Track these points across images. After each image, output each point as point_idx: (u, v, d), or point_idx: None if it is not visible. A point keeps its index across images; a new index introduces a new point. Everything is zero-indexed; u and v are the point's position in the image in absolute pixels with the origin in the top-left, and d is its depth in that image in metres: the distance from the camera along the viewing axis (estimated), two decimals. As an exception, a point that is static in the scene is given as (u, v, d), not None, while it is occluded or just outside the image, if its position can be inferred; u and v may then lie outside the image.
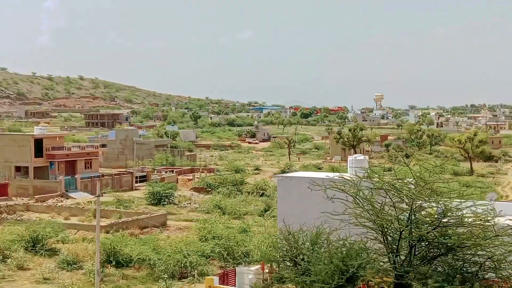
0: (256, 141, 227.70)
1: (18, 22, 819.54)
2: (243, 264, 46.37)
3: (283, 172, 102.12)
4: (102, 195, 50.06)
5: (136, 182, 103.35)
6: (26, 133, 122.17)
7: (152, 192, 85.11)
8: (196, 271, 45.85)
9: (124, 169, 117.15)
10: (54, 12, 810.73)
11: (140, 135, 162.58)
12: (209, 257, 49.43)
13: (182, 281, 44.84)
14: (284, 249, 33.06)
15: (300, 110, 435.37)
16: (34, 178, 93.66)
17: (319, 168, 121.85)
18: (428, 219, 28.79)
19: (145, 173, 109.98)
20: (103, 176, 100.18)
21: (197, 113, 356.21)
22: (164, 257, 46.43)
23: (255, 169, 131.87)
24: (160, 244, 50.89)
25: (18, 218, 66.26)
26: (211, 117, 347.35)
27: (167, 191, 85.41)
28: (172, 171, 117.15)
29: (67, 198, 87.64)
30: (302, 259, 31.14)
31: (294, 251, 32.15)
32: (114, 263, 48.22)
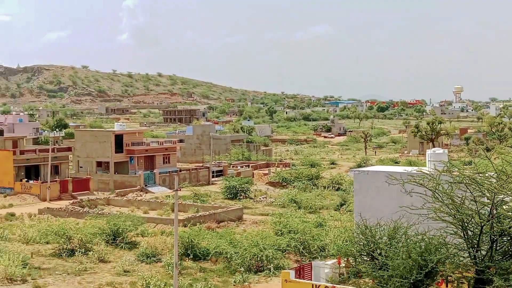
0: (332, 135, 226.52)
1: (99, 21, 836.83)
2: (319, 258, 46.00)
3: (359, 166, 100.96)
4: (180, 190, 50.53)
5: (213, 176, 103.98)
6: (107, 129, 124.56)
7: (229, 186, 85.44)
8: (272, 265, 45.72)
9: (201, 164, 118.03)
10: (133, 11, 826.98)
11: (216, 130, 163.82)
12: (285, 251, 49.21)
13: (259, 274, 44.74)
14: (361, 243, 32.62)
15: (377, 104, 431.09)
16: (115, 173, 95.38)
17: (396, 162, 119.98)
18: (510, 213, 27.92)
19: (221, 168, 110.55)
20: (180, 171, 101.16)
21: (273, 108, 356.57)
22: (240, 251, 46.39)
23: (331, 163, 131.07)
24: (237, 238, 50.85)
25: (99, 212, 67.51)
26: (286, 112, 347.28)
27: (243, 186, 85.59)
28: (248, 166, 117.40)
29: (146, 193, 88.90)
30: (380, 254, 30.64)
31: (371, 246, 31.68)
32: (191, 256, 48.54)
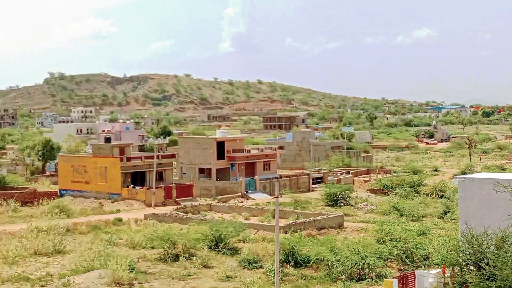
0: (435, 141, 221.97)
1: (201, 30, 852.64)
2: (423, 267, 45.15)
3: (464, 173, 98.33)
4: (280, 196, 50.50)
5: (313, 183, 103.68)
6: (209, 136, 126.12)
7: (329, 193, 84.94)
8: (374, 273, 45.16)
9: (301, 171, 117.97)
10: (234, 19, 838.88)
11: (316, 137, 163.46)
12: (387, 259, 48.43)
13: (360, 283, 44.20)
14: (467, 252, 31.74)
15: (482, 109, 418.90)
16: (216, 180, 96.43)
17: (503, 169, 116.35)
18: None
19: (321, 175, 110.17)
20: (281, 177, 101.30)
21: (373, 114, 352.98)
22: (341, 258, 45.94)
23: (434, 170, 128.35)
24: (338, 245, 50.43)
25: (202, 218, 68.34)
26: (387, 118, 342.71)
27: (343, 193, 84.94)
28: (348, 173, 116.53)
29: (247, 199, 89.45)
30: (487, 264, 29.74)
31: (478, 255, 30.78)
32: (292, 263, 48.46)
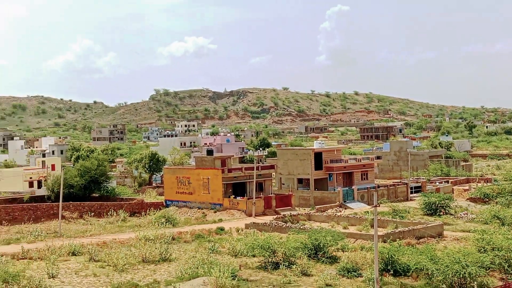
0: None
1: (297, 44, 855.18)
2: (526, 276, 43.65)
3: None
4: (378, 205, 49.95)
5: (411, 192, 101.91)
6: (307, 148, 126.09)
7: (428, 202, 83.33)
8: (475, 283, 43.93)
9: (398, 180, 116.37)
10: (330, 33, 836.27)
11: (414, 146, 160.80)
12: (489, 268, 46.99)
13: (461, 292, 43.21)
14: None
15: None
16: (315, 189, 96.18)
17: None
18: None
19: (419, 184, 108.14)
20: (378, 187, 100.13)
21: (472, 122, 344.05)
22: (442, 267, 44.97)
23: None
24: (438, 254, 49.34)
25: (301, 227, 68.21)
26: (486, 126, 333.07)
27: (442, 202, 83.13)
28: (447, 182, 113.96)
29: (345, 208, 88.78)
30: None
31: None
32: (392, 272, 47.81)
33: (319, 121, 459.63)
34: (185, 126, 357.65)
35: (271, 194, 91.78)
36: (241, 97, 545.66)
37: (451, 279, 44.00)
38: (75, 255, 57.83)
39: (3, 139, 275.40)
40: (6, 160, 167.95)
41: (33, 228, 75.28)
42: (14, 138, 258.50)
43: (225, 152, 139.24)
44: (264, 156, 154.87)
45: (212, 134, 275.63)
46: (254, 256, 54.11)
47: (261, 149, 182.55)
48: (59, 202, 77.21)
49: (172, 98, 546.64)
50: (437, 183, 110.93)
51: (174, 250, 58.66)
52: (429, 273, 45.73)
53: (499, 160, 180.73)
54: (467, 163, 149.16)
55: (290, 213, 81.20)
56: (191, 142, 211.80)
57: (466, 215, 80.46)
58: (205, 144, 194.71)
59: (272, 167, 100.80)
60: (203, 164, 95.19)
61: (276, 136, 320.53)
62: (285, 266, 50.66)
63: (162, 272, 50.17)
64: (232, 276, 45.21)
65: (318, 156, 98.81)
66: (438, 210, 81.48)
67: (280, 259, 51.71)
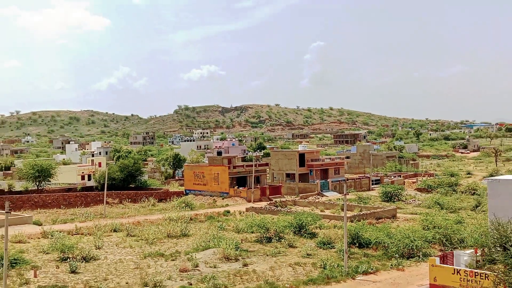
0: (468, 151, 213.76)
1: (286, 71, 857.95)
2: (459, 248, 43.72)
3: (491, 175, 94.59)
4: (347, 194, 49.97)
5: (372, 184, 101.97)
6: (293, 150, 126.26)
7: (385, 191, 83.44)
8: (420, 253, 44.17)
9: (363, 175, 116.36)
10: (311, 62, 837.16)
11: (374, 149, 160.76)
12: (431, 242, 47.14)
13: (410, 260, 43.27)
14: (495, 237, 30.70)
15: (505, 126, 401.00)
16: (299, 182, 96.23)
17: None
18: None
19: (379, 178, 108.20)
20: (347, 180, 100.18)
21: (419, 130, 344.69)
22: (395, 241, 45.22)
23: (467, 173, 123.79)
24: (392, 231, 49.52)
25: (288, 210, 68.37)
26: (430, 134, 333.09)
27: (396, 191, 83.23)
28: (400, 176, 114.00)
29: (322, 196, 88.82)
30: (511, 245, 28.59)
31: (504, 239, 29.78)
32: (357, 245, 47.85)
33: (303, 130, 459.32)
34: (201, 133, 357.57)
35: (266, 185, 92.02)
36: (243, 111, 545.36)
37: (402, 250, 44.20)
38: (116, 231, 57.91)
39: (62, 143, 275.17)
40: (64, 159, 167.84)
41: (84, 211, 75.52)
42: (70, 142, 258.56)
43: (231, 153, 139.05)
44: (260, 156, 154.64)
45: (221, 139, 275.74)
46: (252, 232, 54.11)
47: (258, 151, 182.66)
48: (104, 191, 77.30)
49: (190, 112, 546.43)
50: (392, 177, 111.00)
51: (192, 227, 58.73)
52: (386, 245, 45.94)
53: (439, 159, 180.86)
54: (415, 162, 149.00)
55: (280, 200, 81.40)
56: (205, 145, 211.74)
57: (414, 201, 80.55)
58: (216, 147, 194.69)
59: (266, 164, 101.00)
60: (214, 162, 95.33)
61: (270, 141, 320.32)
62: (276, 240, 50.74)
63: (182, 245, 50.25)
64: (235, 247, 45.30)
65: (301, 156, 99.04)
66: (393, 198, 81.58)
67: (272, 235, 51.76)
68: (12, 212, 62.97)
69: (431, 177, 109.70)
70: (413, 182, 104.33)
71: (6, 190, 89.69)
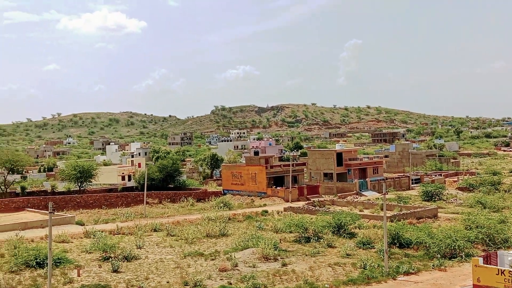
0: (510, 149, 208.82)
1: (322, 69, 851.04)
2: (503, 248, 42.81)
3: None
4: (387, 193, 49.42)
5: (412, 183, 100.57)
6: (330, 149, 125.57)
7: (425, 190, 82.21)
8: (463, 253, 43.35)
9: (402, 174, 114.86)
10: (347, 60, 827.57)
11: (414, 148, 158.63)
12: (473, 242, 46.26)
13: (452, 260, 42.56)
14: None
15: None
16: (337, 181, 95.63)
17: None
18: None
19: (418, 177, 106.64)
20: (386, 179, 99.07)
21: (459, 128, 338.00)
22: (437, 241, 44.55)
23: (510, 172, 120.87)
24: (433, 231, 48.78)
25: (326, 210, 68.03)
26: (470, 131, 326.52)
27: (437, 190, 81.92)
28: (440, 175, 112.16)
29: (361, 196, 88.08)
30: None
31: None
32: (397, 245, 47.37)
33: (340, 129, 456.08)
34: (237, 133, 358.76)
35: (303, 185, 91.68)
36: (279, 111, 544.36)
37: (444, 250, 43.56)
38: (156, 231, 58.67)
39: (102, 144, 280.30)
40: (104, 160, 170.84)
41: (125, 211, 76.59)
42: (110, 143, 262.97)
43: (268, 153, 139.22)
44: (297, 156, 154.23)
45: (258, 139, 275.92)
46: (291, 232, 54.09)
47: (295, 150, 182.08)
48: (144, 191, 78.39)
49: (227, 112, 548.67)
50: (433, 176, 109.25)
51: (230, 227, 59.04)
52: (427, 245, 45.30)
53: (481, 158, 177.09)
54: (455, 160, 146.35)
55: (318, 199, 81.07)
56: (242, 145, 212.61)
57: (455, 200, 79.16)
58: (253, 147, 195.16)
59: (303, 164, 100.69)
60: (252, 162, 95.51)
61: (307, 140, 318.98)
62: (315, 240, 50.64)
63: (221, 244, 50.56)
64: (274, 247, 45.37)
65: (339, 155, 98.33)
66: (434, 197, 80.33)
67: (311, 235, 51.68)
68: (55, 213, 64.42)
69: (473, 176, 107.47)
70: (454, 181, 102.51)
71: (49, 191, 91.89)
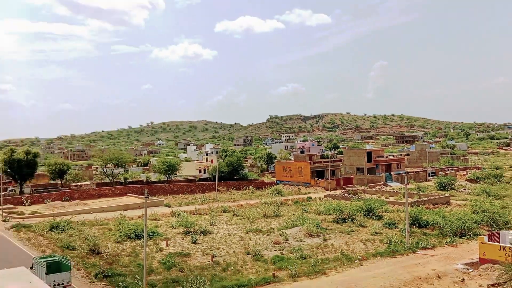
0: (510, 148, 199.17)
1: (354, 85, 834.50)
2: (504, 229, 41.03)
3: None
4: (408, 184, 48.29)
5: (429, 176, 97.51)
6: (361, 149, 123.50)
7: (440, 182, 79.54)
8: (471, 232, 41.85)
9: (420, 168, 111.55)
10: (375, 78, 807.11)
11: (430, 147, 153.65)
12: (480, 223, 44.57)
13: (462, 238, 41.13)
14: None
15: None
16: (367, 174, 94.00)
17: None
18: None
19: (434, 171, 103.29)
20: (407, 172, 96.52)
21: (468, 132, 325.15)
22: (449, 223, 43.23)
23: (510, 167, 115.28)
24: (446, 214, 47.28)
25: (359, 197, 67.01)
26: (477, 134, 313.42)
27: (449, 182, 79.14)
28: (452, 169, 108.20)
29: (386, 186, 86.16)
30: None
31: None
32: (417, 225, 46.16)
33: (369, 132, 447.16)
34: (287, 136, 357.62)
35: (340, 177, 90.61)
36: (320, 119, 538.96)
37: (456, 230, 42.27)
38: (225, 212, 59.43)
39: (184, 145, 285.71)
40: (186, 157, 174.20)
41: (201, 196, 77.92)
42: (190, 144, 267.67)
43: (311, 152, 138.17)
44: (335, 154, 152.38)
45: (303, 141, 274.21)
46: (330, 214, 53.68)
47: (333, 150, 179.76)
48: (215, 181, 79.46)
49: (279, 120, 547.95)
50: (446, 170, 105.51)
51: (282, 210, 59.12)
52: (441, 226, 44.02)
53: (486, 155, 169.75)
54: (465, 158, 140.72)
55: (352, 189, 79.95)
56: (290, 146, 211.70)
57: (464, 190, 76.25)
58: (299, 147, 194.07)
59: (340, 160, 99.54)
60: (298, 159, 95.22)
61: (342, 142, 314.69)
62: (349, 220, 50.05)
63: (275, 223, 50.71)
64: (316, 226, 45.17)
65: (369, 154, 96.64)
66: (447, 187, 77.66)
67: (346, 216, 51.10)
68: (149, 197, 66.38)
69: (479, 170, 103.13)
70: (464, 174, 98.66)
71: (144, 181, 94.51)
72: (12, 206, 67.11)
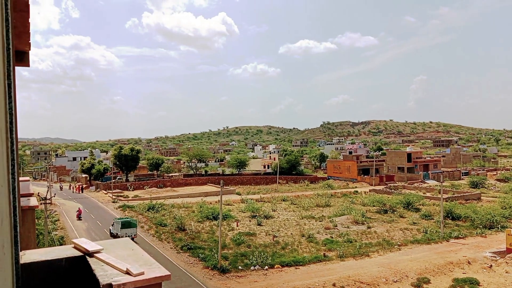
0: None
1: (397, 97, 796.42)
2: (533, 224, 37.78)
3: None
4: (443, 182, 45.78)
5: (462, 175, 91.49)
6: (402, 151, 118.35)
7: (472, 181, 74.31)
8: (499, 225, 38.95)
9: (455, 169, 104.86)
10: (415, 91, 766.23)
11: (464, 151, 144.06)
12: (507, 218, 41.38)
13: (491, 230, 38.38)
14: None
15: None
16: (407, 173, 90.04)
17: None
18: None
19: (467, 171, 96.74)
20: (443, 172, 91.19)
21: (498, 137, 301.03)
22: (480, 216, 40.53)
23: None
24: (477, 209, 44.27)
25: (399, 192, 64.44)
26: (507, 139, 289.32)
27: (481, 180, 73.79)
28: (483, 170, 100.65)
29: (424, 183, 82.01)
30: None
31: None
32: (450, 218, 43.63)
33: (410, 137, 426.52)
34: (338, 139, 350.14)
35: (383, 174, 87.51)
36: (366, 125, 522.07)
37: (485, 223, 39.57)
38: (284, 201, 59.56)
39: (252, 146, 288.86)
40: (253, 155, 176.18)
41: (265, 187, 78.49)
42: (257, 145, 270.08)
43: (358, 153, 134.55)
44: (379, 155, 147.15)
45: (351, 144, 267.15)
46: (374, 206, 52.14)
47: (377, 151, 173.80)
48: (277, 175, 79.74)
49: (331, 126, 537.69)
50: (478, 171, 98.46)
51: (332, 201, 58.26)
52: (472, 219, 41.35)
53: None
54: (495, 160, 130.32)
55: (393, 185, 76.95)
56: (340, 148, 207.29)
57: (494, 188, 70.81)
58: (348, 148, 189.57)
59: (383, 160, 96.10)
60: (347, 158, 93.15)
61: (386, 145, 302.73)
62: (391, 212, 48.34)
63: (326, 211, 50.11)
64: (362, 215, 44.10)
65: (409, 155, 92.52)
66: (478, 185, 72.50)
67: (388, 208, 49.40)
68: (224, 187, 68.04)
69: (508, 171, 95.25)
70: (494, 175, 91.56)
71: (221, 173, 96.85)
72: (119, 190, 71.60)
